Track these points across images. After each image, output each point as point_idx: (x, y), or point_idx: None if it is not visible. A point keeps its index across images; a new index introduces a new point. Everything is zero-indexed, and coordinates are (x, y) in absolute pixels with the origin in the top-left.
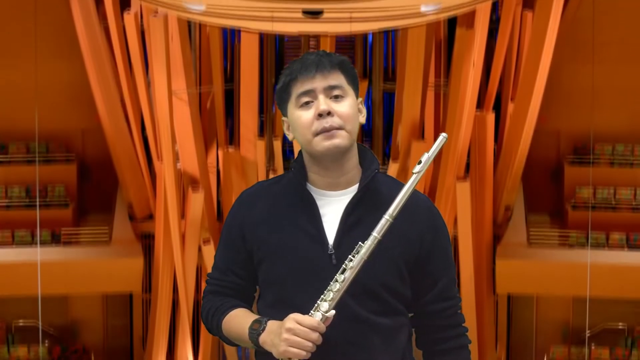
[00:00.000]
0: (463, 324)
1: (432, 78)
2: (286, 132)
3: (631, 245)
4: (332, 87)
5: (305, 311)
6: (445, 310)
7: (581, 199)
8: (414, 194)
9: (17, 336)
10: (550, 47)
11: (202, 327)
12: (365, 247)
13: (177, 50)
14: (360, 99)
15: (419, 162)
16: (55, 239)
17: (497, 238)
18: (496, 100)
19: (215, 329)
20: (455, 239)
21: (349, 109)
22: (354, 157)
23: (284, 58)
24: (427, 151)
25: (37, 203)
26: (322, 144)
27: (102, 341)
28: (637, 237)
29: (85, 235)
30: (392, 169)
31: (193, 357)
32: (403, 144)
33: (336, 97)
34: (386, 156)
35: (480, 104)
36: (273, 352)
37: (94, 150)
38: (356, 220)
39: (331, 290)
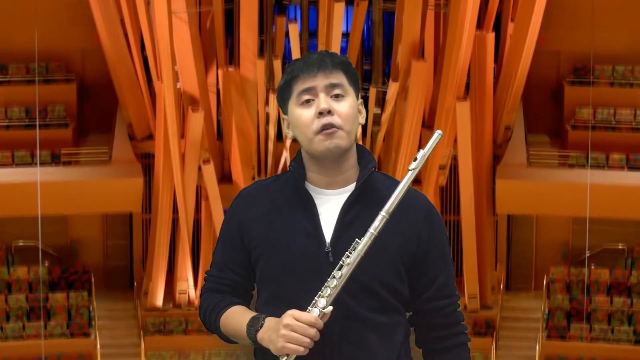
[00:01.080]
0: (462, 322)
1: None
2: (285, 131)
3: (631, 166)
4: (333, 86)
5: (303, 308)
6: (444, 308)
7: (581, 119)
8: (412, 191)
9: (17, 256)
10: None
11: (202, 247)
12: (362, 244)
13: None
14: (360, 100)
15: (415, 159)
16: (55, 159)
17: (496, 158)
18: (496, 20)
19: (213, 326)
20: (455, 159)
21: (349, 109)
22: (352, 157)
23: None
24: (423, 148)
25: (37, 123)
26: (322, 143)
27: (102, 261)
28: (637, 157)
29: (85, 155)
30: (392, 89)
31: (193, 277)
32: (403, 63)
33: (337, 95)
34: (386, 76)
35: (480, 23)
36: (271, 349)
37: (93, 70)
38: (353, 218)
39: (328, 287)
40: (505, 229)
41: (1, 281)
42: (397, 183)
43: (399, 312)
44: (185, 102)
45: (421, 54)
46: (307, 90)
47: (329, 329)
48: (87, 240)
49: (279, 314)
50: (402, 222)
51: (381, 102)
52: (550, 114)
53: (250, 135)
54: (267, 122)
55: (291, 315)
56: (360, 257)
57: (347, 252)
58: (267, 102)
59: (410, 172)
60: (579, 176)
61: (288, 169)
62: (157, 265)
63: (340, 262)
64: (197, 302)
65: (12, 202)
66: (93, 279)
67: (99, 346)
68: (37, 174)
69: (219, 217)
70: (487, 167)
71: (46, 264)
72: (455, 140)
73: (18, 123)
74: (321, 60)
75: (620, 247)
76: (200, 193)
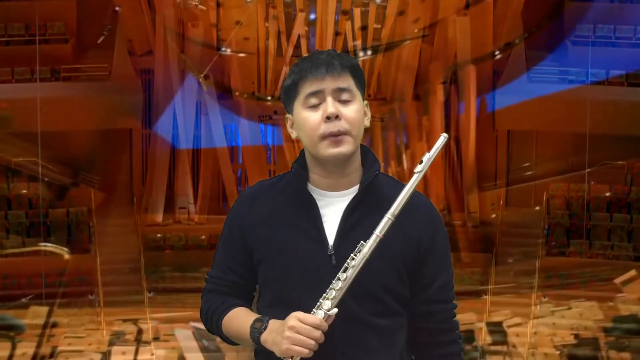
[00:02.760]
0: (457, 331)
1: None
2: (289, 130)
3: (631, 82)
4: (341, 90)
5: (305, 310)
6: (439, 313)
7: (581, 35)
8: (415, 194)
9: (16, 173)
10: None
11: (202, 163)
12: (368, 246)
13: None
14: (366, 102)
15: (420, 162)
16: (54, 75)
17: (496, 74)
18: None
19: (215, 328)
20: (455, 74)
21: (356, 113)
22: (357, 159)
23: None
24: (428, 151)
25: (37, 39)
26: (328, 150)
27: (102, 177)
28: (637, 74)
29: (85, 71)
30: (392, 4)
31: (193, 193)
32: None
33: (344, 100)
34: None
35: None
36: (275, 351)
37: None
38: (356, 221)
39: (333, 289)
40: (505, 145)
41: (1, 197)
42: (401, 185)
43: (401, 315)
44: (185, 17)
45: None
46: (315, 93)
47: (332, 332)
48: (87, 157)
49: (281, 316)
50: (405, 224)
51: (381, 17)
52: (550, 29)
53: (250, 51)
54: (267, 37)
55: (296, 317)
56: (365, 259)
57: (352, 255)
58: (266, 18)
59: (415, 175)
60: (578, 92)
61: (290, 170)
62: (157, 182)
63: (345, 265)
64: (196, 218)
65: (12, 119)
66: (93, 195)
67: (98, 262)
68: (36, 90)
69: (219, 133)
70: (487, 82)
71: (46, 180)
72: (455, 56)
73: (17, 39)
74: (330, 62)
75: (620, 163)
76: (200, 109)
